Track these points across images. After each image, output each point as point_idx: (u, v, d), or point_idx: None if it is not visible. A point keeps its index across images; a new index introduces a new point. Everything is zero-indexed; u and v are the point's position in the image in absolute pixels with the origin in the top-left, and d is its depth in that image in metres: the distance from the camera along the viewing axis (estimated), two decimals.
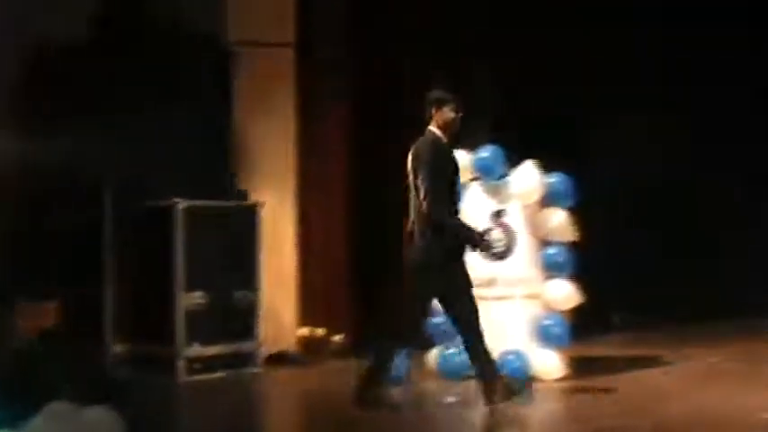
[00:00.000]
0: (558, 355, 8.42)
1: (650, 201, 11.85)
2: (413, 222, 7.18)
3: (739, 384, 8.01)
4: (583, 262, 8.54)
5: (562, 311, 8.54)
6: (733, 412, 6.99)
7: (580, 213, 8.64)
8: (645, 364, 9.04)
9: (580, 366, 8.58)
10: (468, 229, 7.21)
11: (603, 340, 10.48)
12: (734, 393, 7.62)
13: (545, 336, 8.43)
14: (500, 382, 7.12)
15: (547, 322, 8.45)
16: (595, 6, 11.21)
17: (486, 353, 7.13)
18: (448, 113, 7.21)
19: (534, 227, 8.60)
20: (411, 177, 7.19)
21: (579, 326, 8.67)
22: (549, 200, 8.68)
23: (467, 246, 7.18)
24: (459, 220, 7.22)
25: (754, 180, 12.30)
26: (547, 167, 8.63)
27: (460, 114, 7.23)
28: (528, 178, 8.61)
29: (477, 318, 7.17)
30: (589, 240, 8.64)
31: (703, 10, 11.70)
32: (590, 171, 9.68)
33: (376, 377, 7.24)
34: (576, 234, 8.57)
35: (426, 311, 7.47)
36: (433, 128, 7.27)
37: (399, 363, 7.91)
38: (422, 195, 7.03)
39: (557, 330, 8.43)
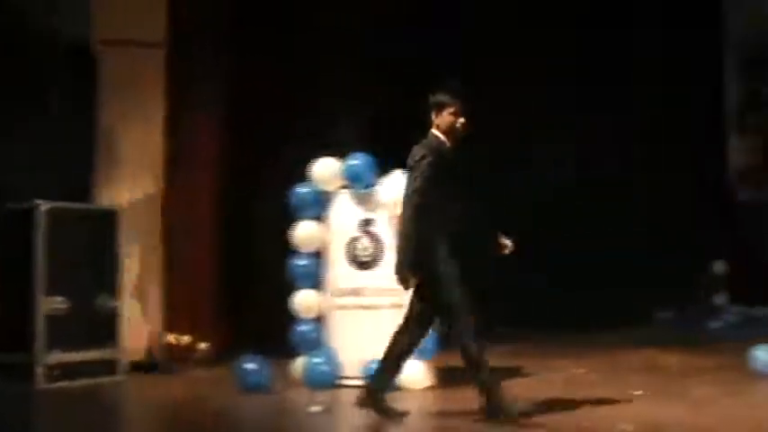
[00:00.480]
0: (424, 365, 8.42)
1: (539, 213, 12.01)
2: None
3: (602, 394, 8.08)
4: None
5: None
6: (595, 423, 7.04)
7: None
8: (513, 374, 9.08)
9: (446, 376, 8.59)
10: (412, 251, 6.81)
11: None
12: (595, 404, 7.68)
13: None
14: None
15: None
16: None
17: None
18: (448, 117, 6.99)
19: None
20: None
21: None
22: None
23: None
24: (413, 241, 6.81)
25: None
26: None
27: (462, 118, 7.00)
28: (397, 187, 8.58)
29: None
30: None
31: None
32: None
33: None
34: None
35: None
36: (435, 131, 7.06)
37: (264, 371, 7.82)
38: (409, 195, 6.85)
39: None
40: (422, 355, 8.18)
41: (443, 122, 7.00)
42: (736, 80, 13.80)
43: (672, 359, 9.86)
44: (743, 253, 12.99)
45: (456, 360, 6.96)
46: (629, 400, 7.81)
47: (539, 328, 11.53)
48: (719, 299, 13.03)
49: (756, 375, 8.81)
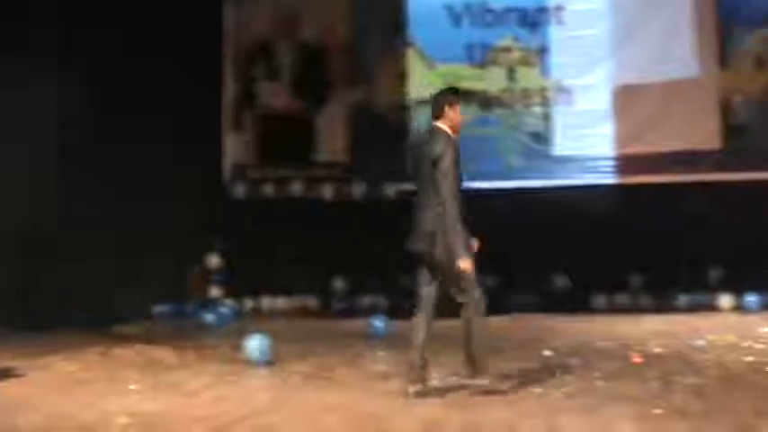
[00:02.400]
0: None
1: None
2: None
3: (98, 391, 7.89)
4: None
5: None
6: (92, 419, 6.85)
7: None
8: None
9: None
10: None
11: None
12: (92, 400, 7.48)
13: None
14: None
15: None
16: None
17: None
18: (456, 114, 7.58)
19: None
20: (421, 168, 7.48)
21: None
22: None
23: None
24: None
25: None
26: None
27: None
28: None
29: None
30: None
31: None
32: None
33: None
34: None
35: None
36: (443, 125, 7.55)
37: None
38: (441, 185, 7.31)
39: None
40: None
41: (455, 118, 7.59)
42: (233, 77, 14.03)
43: (167, 353, 9.82)
44: (237, 247, 13.23)
45: None
46: (125, 394, 7.69)
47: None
48: (214, 292, 13.19)
49: (249, 365, 9.10)
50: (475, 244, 7.69)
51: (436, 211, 7.44)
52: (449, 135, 7.55)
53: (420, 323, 7.64)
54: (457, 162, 7.43)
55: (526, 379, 8.15)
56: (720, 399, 7.33)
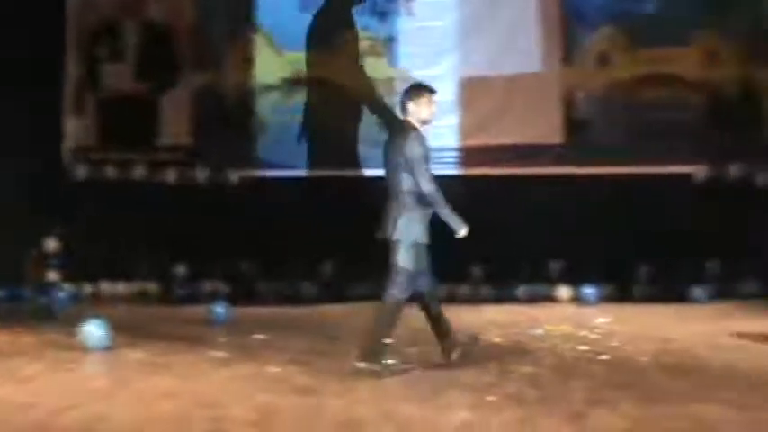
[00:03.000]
0: None
1: None
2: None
3: None
4: None
5: None
6: None
7: None
8: None
9: None
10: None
11: None
12: None
13: None
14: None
15: None
16: None
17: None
18: (427, 106, 8.02)
19: None
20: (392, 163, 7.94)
21: None
22: None
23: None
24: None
25: None
26: None
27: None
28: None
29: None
30: None
31: None
32: None
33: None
34: None
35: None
36: (411, 119, 7.99)
37: None
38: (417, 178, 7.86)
39: None
40: None
41: (425, 111, 8.02)
42: (75, 58, 13.67)
43: (2, 338, 9.63)
44: (77, 231, 12.90)
45: None
46: None
47: None
48: (52, 276, 12.84)
49: (87, 351, 8.95)
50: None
51: (400, 200, 7.95)
52: (415, 129, 7.96)
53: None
54: (425, 155, 7.91)
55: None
56: (555, 387, 7.48)
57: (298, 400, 6.99)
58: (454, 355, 8.17)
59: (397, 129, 8.16)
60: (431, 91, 8.16)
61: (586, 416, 6.52)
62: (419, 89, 8.14)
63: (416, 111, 8.02)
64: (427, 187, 7.91)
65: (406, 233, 8.02)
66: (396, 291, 7.94)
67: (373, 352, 7.85)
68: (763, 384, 7.55)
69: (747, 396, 7.12)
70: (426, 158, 7.93)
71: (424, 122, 8.08)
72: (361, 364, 7.83)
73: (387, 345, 7.94)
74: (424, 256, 8.18)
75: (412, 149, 7.86)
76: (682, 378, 7.82)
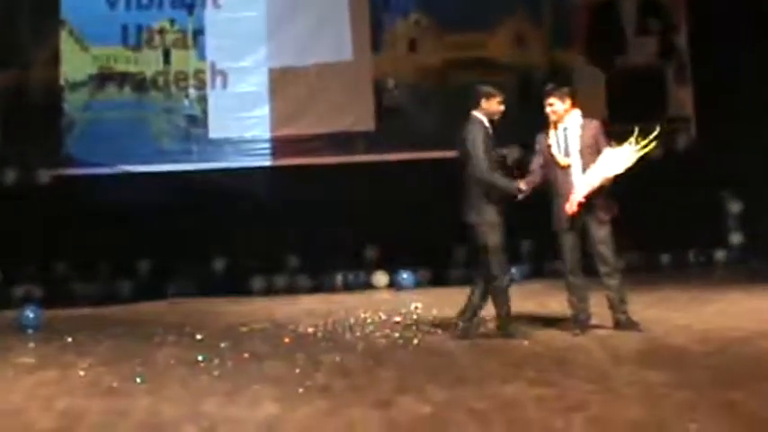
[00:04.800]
0: None
1: None
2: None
3: None
4: None
5: None
6: None
7: None
8: None
9: None
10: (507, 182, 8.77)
11: None
12: None
13: None
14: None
15: None
16: None
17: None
18: (496, 104, 8.82)
19: None
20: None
21: None
22: None
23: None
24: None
25: None
26: None
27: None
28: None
29: None
30: None
31: None
32: None
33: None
34: None
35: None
36: (479, 114, 8.78)
37: None
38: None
39: None
40: None
41: (492, 108, 8.81)
42: None
43: None
44: None
45: None
46: None
47: None
48: None
49: None
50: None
51: (474, 186, 8.69)
52: (482, 122, 8.73)
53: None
54: (489, 145, 8.70)
55: (177, 363, 8.11)
56: (364, 375, 7.53)
57: (103, 403, 6.86)
58: (457, 331, 8.90)
59: (465, 122, 8.85)
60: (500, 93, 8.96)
61: (393, 403, 6.59)
62: (492, 89, 8.96)
63: (487, 106, 8.78)
64: (479, 171, 8.63)
65: (487, 215, 8.65)
66: (495, 271, 8.71)
67: (505, 326, 8.81)
68: (562, 361, 7.77)
69: (548, 373, 7.32)
70: (487, 147, 8.69)
71: (492, 116, 8.81)
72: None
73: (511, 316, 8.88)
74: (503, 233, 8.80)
75: (475, 139, 8.64)
76: (489, 359, 7.98)
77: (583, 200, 8.61)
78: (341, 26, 13.39)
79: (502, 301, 8.79)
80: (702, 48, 13.54)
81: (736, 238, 13.78)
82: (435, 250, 12.84)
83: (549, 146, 8.85)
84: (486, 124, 8.78)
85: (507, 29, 13.73)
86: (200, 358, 8.16)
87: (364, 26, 13.45)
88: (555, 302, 10.42)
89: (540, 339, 8.72)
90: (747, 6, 13.03)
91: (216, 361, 8.16)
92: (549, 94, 8.86)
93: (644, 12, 14.27)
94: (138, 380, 7.48)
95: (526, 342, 8.56)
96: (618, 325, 8.89)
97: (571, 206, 8.63)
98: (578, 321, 8.91)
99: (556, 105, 8.82)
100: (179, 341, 9.23)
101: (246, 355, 8.35)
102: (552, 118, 8.85)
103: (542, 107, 8.86)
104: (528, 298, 10.91)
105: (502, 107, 8.86)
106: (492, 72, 13.31)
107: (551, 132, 8.86)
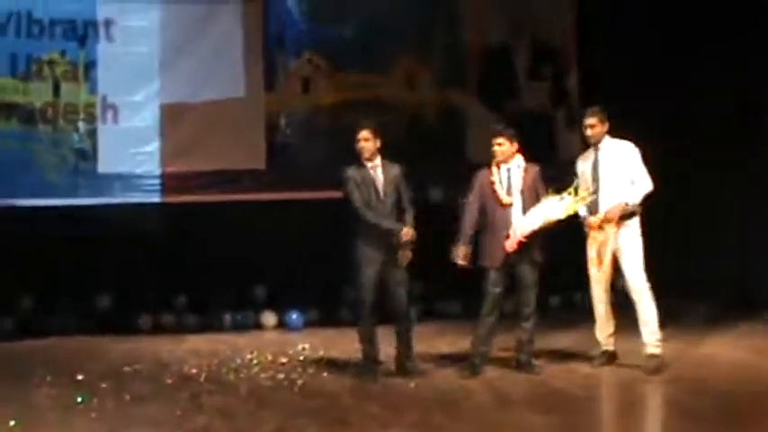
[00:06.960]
0: None
1: None
2: None
3: None
4: None
5: None
6: None
7: None
8: None
9: None
10: None
11: None
12: None
13: None
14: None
15: None
16: None
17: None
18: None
19: None
20: None
21: None
22: None
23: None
24: None
25: None
26: None
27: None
28: None
29: None
30: None
31: None
32: None
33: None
34: None
35: None
36: None
37: None
38: None
39: None
40: None
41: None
42: None
43: None
44: None
45: None
46: None
47: None
48: None
49: None
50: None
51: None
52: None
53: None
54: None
55: (54, 405, 7.93)
56: (245, 418, 7.48)
57: None
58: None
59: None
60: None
61: None
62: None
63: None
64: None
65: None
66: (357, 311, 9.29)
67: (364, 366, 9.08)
68: (448, 405, 7.79)
69: (432, 417, 7.33)
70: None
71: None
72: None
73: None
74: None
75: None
76: (373, 402, 7.96)
77: (523, 239, 8.71)
78: (234, 63, 13.30)
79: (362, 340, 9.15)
80: (592, 93, 13.76)
81: None
82: (325, 290, 12.77)
83: (492, 182, 8.97)
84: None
85: (400, 69, 13.81)
86: (78, 399, 7.99)
87: (257, 64, 13.37)
88: (444, 344, 10.48)
89: (426, 381, 8.73)
90: (637, 52, 13.39)
91: (95, 402, 8.00)
92: (500, 134, 9.03)
93: (536, 57, 14.49)
94: (12, 423, 7.28)
95: (413, 384, 8.57)
96: (518, 365, 9.03)
97: (512, 244, 8.72)
98: (472, 365, 8.98)
99: (504, 146, 8.99)
100: (58, 381, 8.99)
101: (128, 396, 8.21)
102: (499, 158, 9.00)
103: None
104: (419, 340, 10.91)
105: (360, 144, 9.26)
106: (383, 112, 13.34)
107: (494, 170, 9.00)
